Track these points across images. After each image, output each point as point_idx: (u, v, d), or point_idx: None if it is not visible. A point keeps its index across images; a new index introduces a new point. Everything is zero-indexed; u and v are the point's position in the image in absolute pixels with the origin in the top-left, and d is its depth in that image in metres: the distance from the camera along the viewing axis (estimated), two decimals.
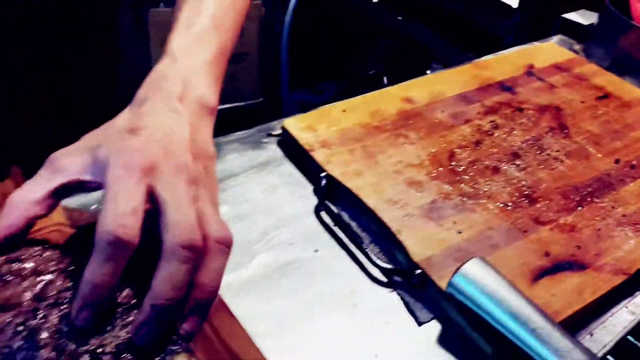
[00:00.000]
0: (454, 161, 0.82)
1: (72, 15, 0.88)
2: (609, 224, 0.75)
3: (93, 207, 0.71)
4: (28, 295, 0.53)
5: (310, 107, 0.91)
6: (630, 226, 0.75)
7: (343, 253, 0.72)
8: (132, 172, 0.51)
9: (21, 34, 0.84)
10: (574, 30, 1.23)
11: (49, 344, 0.50)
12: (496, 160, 0.83)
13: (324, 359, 0.60)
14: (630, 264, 0.69)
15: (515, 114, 0.93)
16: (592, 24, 1.21)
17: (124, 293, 0.52)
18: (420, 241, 0.69)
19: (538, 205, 0.76)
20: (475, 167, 0.82)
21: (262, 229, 0.74)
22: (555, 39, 1.23)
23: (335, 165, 0.79)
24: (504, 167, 0.82)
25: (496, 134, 0.88)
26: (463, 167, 0.81)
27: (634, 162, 0.86)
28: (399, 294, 0.67)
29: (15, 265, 0.56)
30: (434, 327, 0.64)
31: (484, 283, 0.60)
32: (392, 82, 0.98)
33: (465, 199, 0.76)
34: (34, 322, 0.51)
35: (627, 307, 0.68)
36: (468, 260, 0.62)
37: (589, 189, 0.80)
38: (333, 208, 0.75)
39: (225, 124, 0.78)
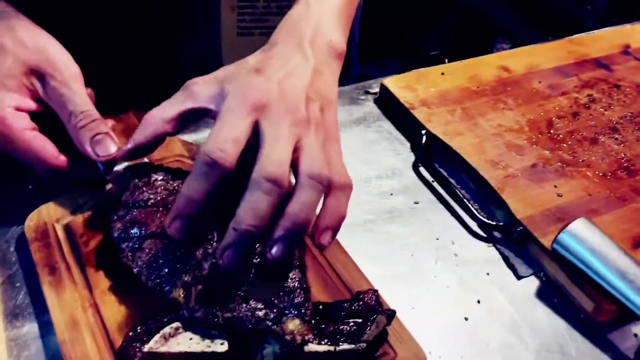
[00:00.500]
0: (552, 129, 0.83)
1: None
2: None
3: None
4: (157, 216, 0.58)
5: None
6: None
7: (442, 207, 0.74)
8: (244, 106, 0.55)
9: None
10: None
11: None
12: (594, 132, 0.84)
13: (429, 300, 0.62)
14: None
15: (613, 90, 0.93)
16: None
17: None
18: (522, 200, 0.71)
19: (638, 177, 0.77)
20: (573, 137, 0.82)
21: (365, 177, 0.77)
22: None
23: (436, 124, 0.81)
24: (602, 140, 0.83)
25: (593, 108, 0.89)
26: (561, 135, 0.82)
27: None
28: (498, 249, 0.69)
29: (146, 189, 0.60)
30: (532, 282, 0.66)
31: (590, 241, 0.62)
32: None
33: (564, 165, 0.77)
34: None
35: None
36: (574, 220, 0.64)
37: None
38: (433, 164, 0.77)
39: None
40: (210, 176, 0.52)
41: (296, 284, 0.53)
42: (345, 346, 0.50)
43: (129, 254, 0.55)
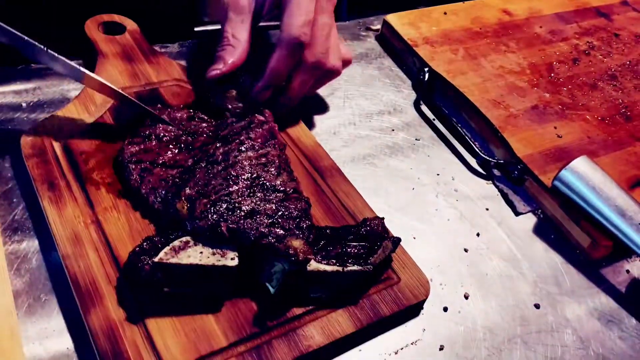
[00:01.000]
0: (552, 73, 0.83)
1: None
2: None
3: None
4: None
5: None
6: None
7: (442, 144, 0.74)
8: None
9: None
10: None
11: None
12: (593, 78, 0.84)
13: (430, 231, 0.63)
14: None
15: (612, 39, 0.93)
16: None
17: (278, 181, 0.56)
18: (522, 140, 0.71)
19: (635, 123, 0.77)
20: (573, 81, 0.82)
21: (366, 112, 0.76)
22: None
23: (439, 62, 0.80)
24: (601, 86, 0.83)
25: (593, 54, 0.89)
26: (562, 79, 0.82)
27: None
28: (497, 186, 0.70)
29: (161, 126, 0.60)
30: (530, 219, 0.67)
31: (591, 179, 0.63)
32: None
33: (564, 108, 0.77)
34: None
35: None
36: (576, 158, 0.64)
37: None
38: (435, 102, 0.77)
39: None
40: (296, 53, 0.61)
41: (301, 212, 0.53)
42: (353, 267, 0.50)
43: (137, 176, 0.54)
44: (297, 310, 0.50)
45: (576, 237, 0.64)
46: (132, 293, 0.48)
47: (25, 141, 0.59)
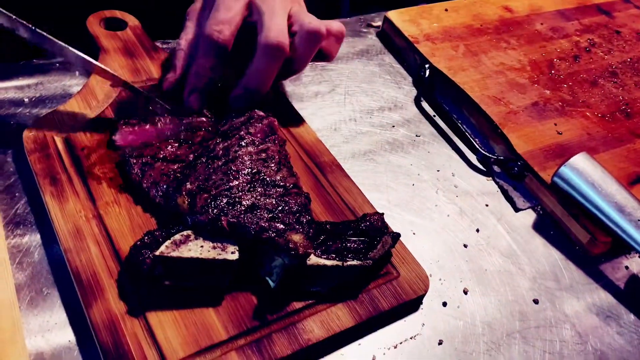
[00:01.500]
0: (553, 70, 0.83)
1: None
2: None
3: None
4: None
5: None
6: None
7: (442, 140, 0.74)
8: None
9: None
10: None
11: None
12: (594, 75, 0.84)
13: (429, 227, 0.63)
14: None
15: (613, 36, 0.93)
16: None
17: (278, 176, 0.56)
18: (522, 136, 0.72)
19: (635, 120, 0.78)
20: (574, 78, 0.83)
21: (367, 109, 0.76)
22: None
23: (439, 59, 0.80)
24: (602, 83, 0.83)
25: (594, 51, 0.89)
26: (562, 76, 0.82)
27: None
28: (496, 182, 0.70)
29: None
30: (529, 215, 0.67)
31: (591, 175, 0.63)
32: None
33: (564, 105, 0.78)
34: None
35: None
36: (575, 155, 0.64)
37: None
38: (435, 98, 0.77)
39: None
40: (212, 54, 0.60)
41: (301, 207, 0.53)
42: (352, 262, 0.51)
43: (139, 170, 0.55)
44: (297, 304, 0.50)
45: (575, 233, 0.64)
46: (133, 286, 0.49)
47: (28, 136, 0.59)
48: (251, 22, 0.61)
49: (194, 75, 0.62)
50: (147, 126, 0.59)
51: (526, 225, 0.66)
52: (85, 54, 0.73)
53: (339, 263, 0.50)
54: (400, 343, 0.52)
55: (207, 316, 0.48)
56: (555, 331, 0.56)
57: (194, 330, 0.47)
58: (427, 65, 0.79)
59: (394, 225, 0.61)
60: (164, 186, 0.54)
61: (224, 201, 0.51)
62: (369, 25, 0.91)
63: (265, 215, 0.51)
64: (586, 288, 0.61)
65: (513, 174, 0.70)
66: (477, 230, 0.64)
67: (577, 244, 0.64)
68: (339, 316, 0.50)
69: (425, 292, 0.54)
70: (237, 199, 0.51)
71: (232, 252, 0.48)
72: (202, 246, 0.47)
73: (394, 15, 0.87)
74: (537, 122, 0.74)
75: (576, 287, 0.61)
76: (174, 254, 0.46)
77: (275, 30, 0.59)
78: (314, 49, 0.63)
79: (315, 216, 0.58)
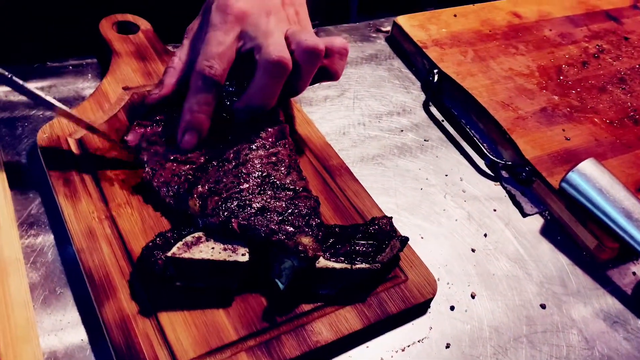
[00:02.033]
0: (561, 76, 0.84)
1: None
2: None
3: None
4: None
5: None
6: None
7: (451, 145, 0.75)
8: (226, 21, 0.59)
9: None
10: None
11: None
12: (602, 81, 0.84)
13: (437, 231, 0.64)
14: None
15: (622, 42, 0.93)
16: None
17: (288, 180, 0.56)
18: (531, 142, 0.72)
19: None
20: (582, 84, 0.83)
21: (376, 113, 0.77)
22: None
23: (448, 64, 0.81)
24: (610, 89, 0.83)
25: (602, 58, 0.89)
26: (570, 82, 0.83)
27: None
28: (504, 187, 0.70)
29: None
30: (537, 220, 0.67)
31: (599, 181, 0.63)
32: None
33: (573, 111, 0.78)
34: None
35: None
36: (583, 160, 0.65)
37: None
38: (443, 103, 0.77)
39: None
40: (204, 90, 0.57)
41: (311, 210, 0.53)
42: (361, 265, 0.51)
43: (149, 169, 0.56)
44: (306, 307, 0.51)
45: (583, 238, 0.65)
46: (144, 287, 0.50)
47: (42, 137, 0.60)
48: (247, 51, 0.59)
49: (188, 112, 0.58)
50: (160, 128, 0.60)
51: (534, 230, 0.66)
52: (99, 57, 0.75)
53: (348, 266, 0.51)
54: (408, 346, 0.53)
55: (217, 317, 0.49)
56: (562, 336, 0.56)
57: (205, 330, 0.48)
58: (435, 70, 0.80)
59: (402, 229, 0.62)
60: (175, 187, 0.55)
61: (235, 204, 0.51)
62: (378, 30, 0.91)
63: (275, 217, 0.51)
64: (593, 293, 0.61)
65: (521, 179, 0.70)
66: (485, 235, 0.64)
67: (584, 250, 0.65)
68: (348, 319, 0.51)
69: (433, 295, 0.55)
70: (247, 202, 0.52)
71: (243, 254, 0.48)
72: (213, 248, 0.48)
73: (403, 20, 0.87)
74: (545, 127, 0.74)
75: (583, 293, 0.61)
76: (186, 255, 0.46)
77: (274, 45, 0.57)
78: (314, 67, 0.59)
79: (324, 219, 0.58)
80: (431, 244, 0.62)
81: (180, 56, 0.63)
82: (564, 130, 0.75)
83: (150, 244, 0.49)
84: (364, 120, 0.76)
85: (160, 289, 0.49)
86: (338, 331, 0.50)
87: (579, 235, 0.65)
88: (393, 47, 0.89)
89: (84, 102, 0.65)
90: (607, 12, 1.00)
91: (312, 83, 0.61)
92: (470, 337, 0.55)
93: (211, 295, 0.50)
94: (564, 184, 0.65)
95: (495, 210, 0.68)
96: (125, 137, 0.60)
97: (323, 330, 0.50)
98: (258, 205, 0.52)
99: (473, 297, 0.58)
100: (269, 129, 0.61)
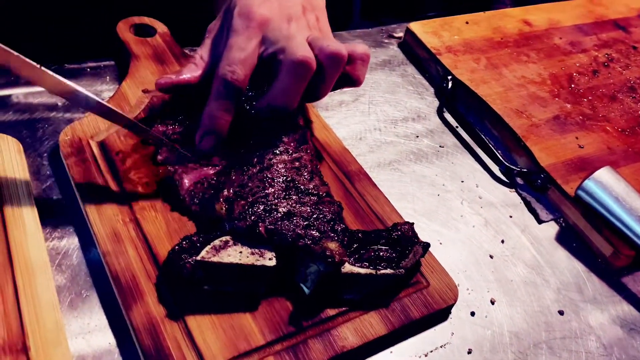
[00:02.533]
0: (573, 84, 0.84)
1: None
2: None
3: None
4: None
5: None
6: None
7: (466, 152, 0.75)
8: (248, 26, 0.59)
9: None
10: None
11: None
12: (613, 90, 0.85)
13: (455, 237, 0.64)
14: None
15: (630, 52, 0.94)
16: None
17: (311, 185, 0.57)
18: (545, 149, 0.73)
19: None
20: (593, 92, 0.84)
21: (391, 119, 0.78)
22: None
23: (462, 71, 0.82)
24: (621, 97, 0.84)
25: (612, 66, 0.90)
26: (582, 90, 0.84)
27: None
28: (520, 194, 0.71)
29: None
30: (552, 227, 0.68)
31: (615, 189, 0.64)
32: None
33: (585, 119, 0.79)
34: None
35: None
36: (600, 169, 0.65)
37: None
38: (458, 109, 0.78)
39: None
40: (225, 95, 0.57)
41: (335, 215, 0.54)
42: (385, 271, 0.52)
43: (176, 176, 0.56)
44: (331, 311, 0.51)
45: (598, 245, 0.65)
46: (170, 290, 0.50)
47: (64, 140, 0.60)
48: (268, 55, 0.59)
49: (207, 117, 0.58)
50: (182, 128, 0.60)
51: (549, 237, 0.67)
52: (116, 59, 0.75)
53: (372, 271, 0.51)
54: (431, 351, 0.53)
55: (244, 321, 0.49)
56: (581, 342, 0.57)
57: (232, 334, 0.48)
58: (449, 77, 0.80)
59: (420, 234, 0.62)
60: (200, 194, 0.55)
61: (261, 208, 0.52)
62: (391, 36, 0.92)
63: (301, 222, 0.52)
64: (609, 300, 0.62)
65: (536, 186, 0.71)
66: (502, 241, 0.65)
67: (600, 257, 0.65)
68: (372, 324, 0.51)
69: (455, 301, 0.55)
70: (273, 206, 0.52)
71: (270, 259, 0.48)
72: (241, 252, 0.48)
73: (415, 26, 0.88)
74: (558, 135, 0.75)
75: (600, 299, 0.61)
76: (215, 259, 0.47)
77: (298, 46, 0.57)
78: (336, 73, 0.59)
79: (347, 224, 0.59)
80: (450, 250, 0.63)
81: (202, 54, 0.63)
82: (577, 138, 0.75)
83: (177, 247, 0.49)
84: (379, 126, 0.76)
85: (187, 292, 0.49)
86: (364, 336, 0.50)
87: (594, 242, 0.66)
88: (406, 53, 0.89)
89: None
90: (615, 22, 1.01)
91: (334, 89, 0.62)
92: (491, 343, 0.55)
93: (238, 299, 0.50)
94: (580, 192, 0.66)
95: (511, 216, 0.68)
96: (158, 157, 0.59)
97: (349, 335, 0.50)
98: (284, 210, 0.52)
99: (493, 303, 0.59)
100: (291, 134, 0.61)
